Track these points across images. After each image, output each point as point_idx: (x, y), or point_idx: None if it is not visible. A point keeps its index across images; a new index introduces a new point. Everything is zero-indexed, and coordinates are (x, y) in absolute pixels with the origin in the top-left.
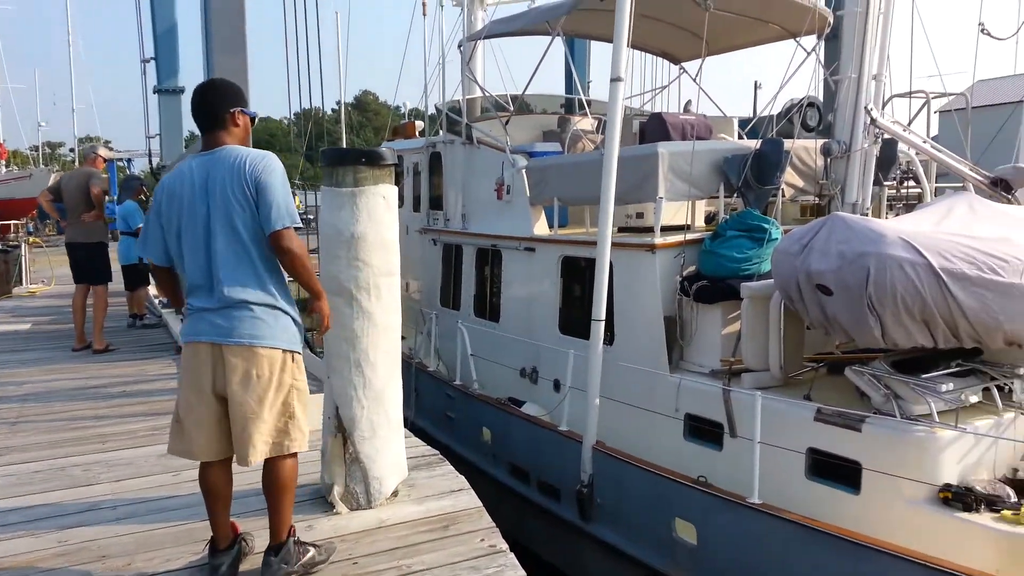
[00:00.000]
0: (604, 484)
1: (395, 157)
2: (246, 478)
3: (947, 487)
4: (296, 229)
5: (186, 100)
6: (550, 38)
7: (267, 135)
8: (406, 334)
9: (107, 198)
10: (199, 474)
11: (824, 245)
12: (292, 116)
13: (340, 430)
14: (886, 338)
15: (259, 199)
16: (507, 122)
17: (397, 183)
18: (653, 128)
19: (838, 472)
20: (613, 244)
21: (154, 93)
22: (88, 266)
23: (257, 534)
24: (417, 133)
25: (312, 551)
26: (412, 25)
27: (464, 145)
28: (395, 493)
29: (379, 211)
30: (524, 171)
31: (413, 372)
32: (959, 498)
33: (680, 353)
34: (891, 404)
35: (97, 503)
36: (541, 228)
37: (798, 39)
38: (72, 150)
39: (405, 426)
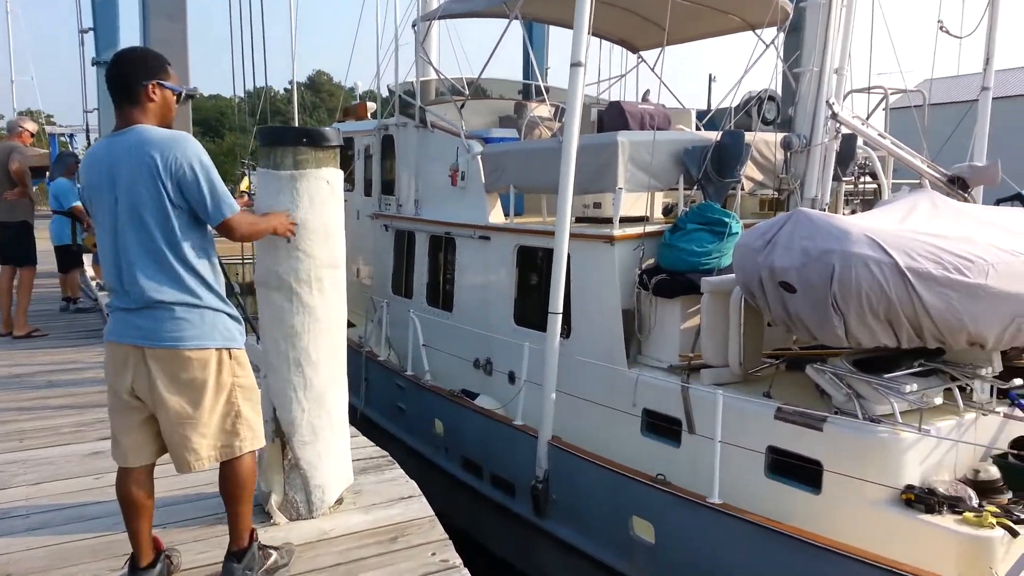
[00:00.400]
0: (560, 480)
1: (340, 138)
2: (176, 483)
3: (909, 488)
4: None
5: None
6: (507, 21)
7: (217, 113)
8: (356, 321)
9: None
10: (116, 482)
11: (788, 241)
12: (243, 94)
13: (278, 434)
14: (849, 337)
15: (186, 194)
16: (462, 106)
17: (347, 166)
18: (612, 117)
19: (799, 471)
20: (571, 235)
21: (92, 65)
22: (12, 247)
23: (187, 547)
24: (369, 115)
25: (274, 555)
26: (365, 2)
27: (417, 128)
28: (339, 501)
29: (322, 197)
30: (479, 157)
31: (363, 361)
32: (921, 500)
33: (638, 347)
34: (853, 403)
35: (8, 510)
36: (496, 216)
37: (757, 31)
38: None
39: (354, 418)
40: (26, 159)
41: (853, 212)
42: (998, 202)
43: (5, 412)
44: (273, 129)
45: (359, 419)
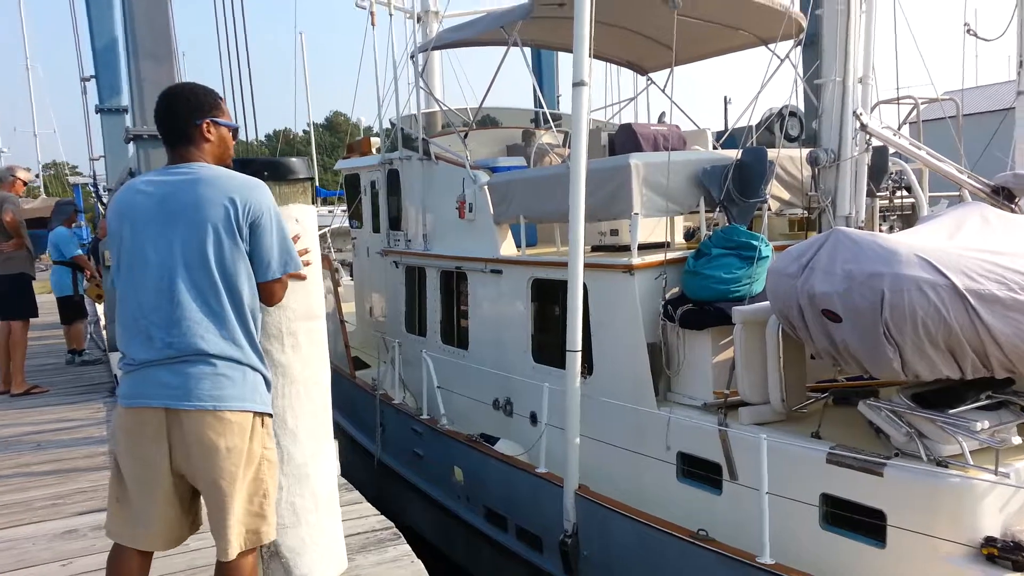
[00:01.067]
0: (590, 534)
1: (309, 170)
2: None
3: (990, 542)
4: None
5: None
6: (506, 48)
7: (238, 155)
8: (371, 362)
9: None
10: (109, 563)
11: (828, 264)
12: (263, 137)
13: None
14: (907, 370)
15: (254, 240)
16: (466, 136)
17: (353, 202)
18: (623, 140)
19: (859, 522)
20: (586, 265)
21: (96, 113)
22: (7, 300)
23: None
24: (374, 150)
25: None
26: (365, 38)
27: (421, 161)
28: None
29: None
30: (486, 187)
31: (378, 405)
32: (1007, 555)
33: (668, 384)
34: (915, 444)
35: None
36: (508, 248)
37: (771, 46)
38: (38, 176)
39: (370, 465)
40: (20, 210)
41: (891, 229)
42: None
43: None
44: (238, 163)
45: (376, 467)
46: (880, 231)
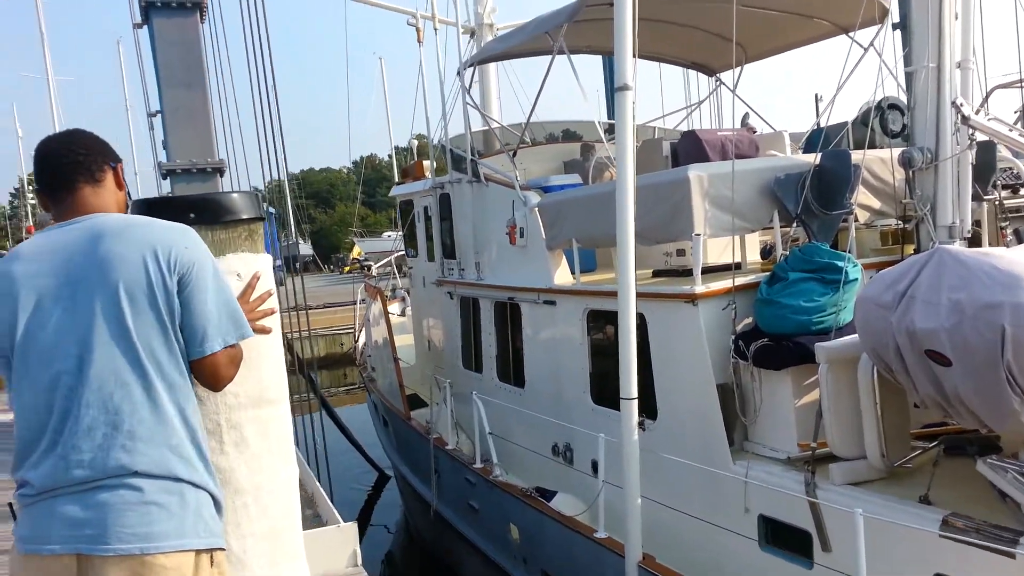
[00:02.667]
0: None
1: (255, 207)
2: None
3: None
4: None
5: None
6: (551, 56)
7: (328, 184)
8: (430, 400)
9: None
10: None
11: (930, 293)
12: (350, 164)
13: None
14: None
15: (184, 304)
16: (514, 154)
17: (410, 229)
18: (686, 149)
19: None
20: (644, 295)
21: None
22: None
23: None
24: (428, 174)
25: None
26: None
27: (471, 183)
28: None
29: None
30: (536, 210)
31: (431, 449)
32: None
33: (744, 432)
34: None
35: None
36: (563, 276)
37: (851, 34)
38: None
39: (426, 515)
40: None
41: (1018, 236)
42: None
43: None
44: (145, 203)
45: (432, 517)
46: (1006, 245)
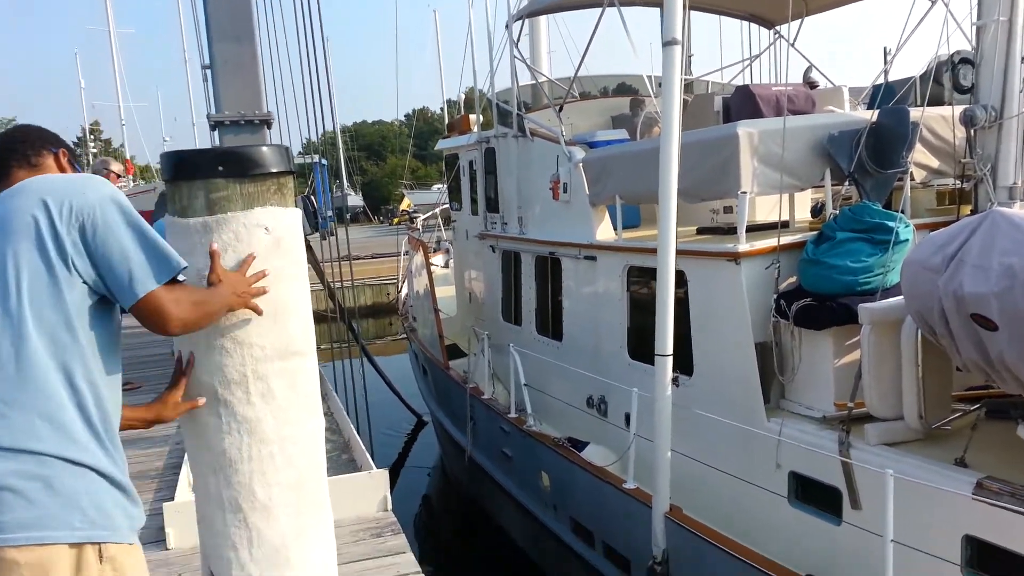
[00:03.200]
0: (683, 564)
1: (284, 160)
2: None
3: None
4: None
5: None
6: (602, 8)
7: (379, 137)
8: (468, 351)
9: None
10: None
11: (981, 256)
12: (403, 117)
13: None
14: None
15: (97, 252)
16: (560, 108)
17: (454, 182)
18: (739, 104)
19: (1013, 574)
20: (686, 252)
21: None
22: None
23: None
24: (474, 127)
25: None
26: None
27: (516, 138)
28: None
29: (259, 254)
30: (581, 165)
31: (468, 399)
32: None
33: (780, 391)
34: None
35: None
36: (605, 232)
37: None
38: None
39: (461, 461)
40: None
41: None
42: None
43: None
44: (175, 156)
45: (467, 463)
46: None
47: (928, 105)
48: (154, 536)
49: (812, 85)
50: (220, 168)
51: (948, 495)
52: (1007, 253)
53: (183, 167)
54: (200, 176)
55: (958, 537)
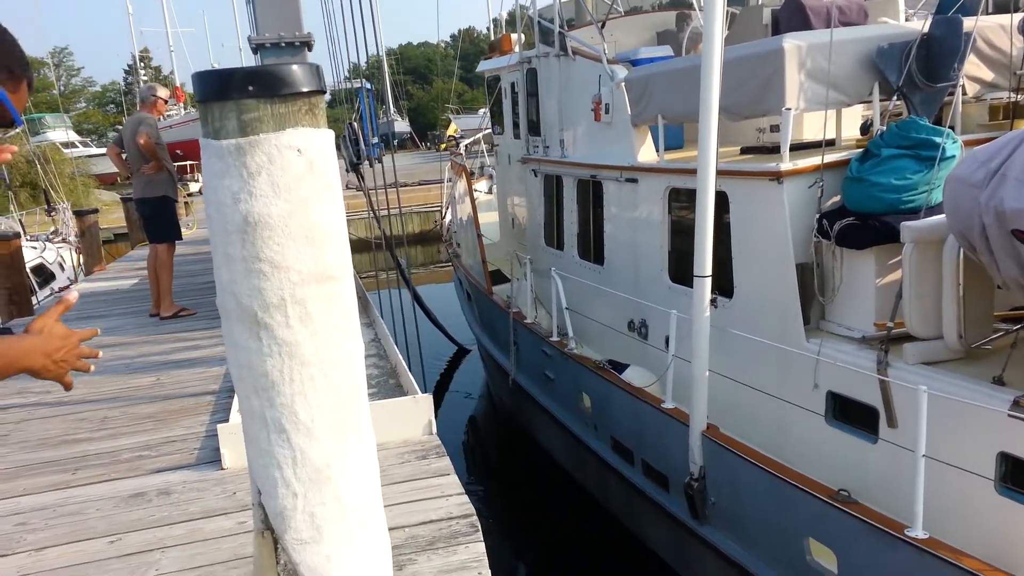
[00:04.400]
0: (719, 480)
1: (316, 80)
2: None
3: None
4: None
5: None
6: None
7: (425, 60)
8: (512, 276)
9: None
10: None
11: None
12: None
13: (267, 526)
14: None
15: None
16: (603, 25)
17: (496, 105)
18: (788, 16)
19: None
20: (727, 172)
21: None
22: (152, 224)
23: None
24: (515, 47)
25: None
26: None
27: (558, 58)
28: None
29: (291, 175)
30: (623, 84)
31: (511, 323)
32: None
33: (820, 311)
34: None
35: None
36: (647, 154)
37: None
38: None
39: (504, 384)
40: (156, 132)
41: None
42: None
43: (83, 427)
44: (206, 76)
45: (511, 386)
46: None
47: (996, 12)
48: (211, 456)
49: None
50: (250, 88)
51: (984, 412)
52: None
53: (213, 87)
54: (231, 96)
55: (993, 454)
